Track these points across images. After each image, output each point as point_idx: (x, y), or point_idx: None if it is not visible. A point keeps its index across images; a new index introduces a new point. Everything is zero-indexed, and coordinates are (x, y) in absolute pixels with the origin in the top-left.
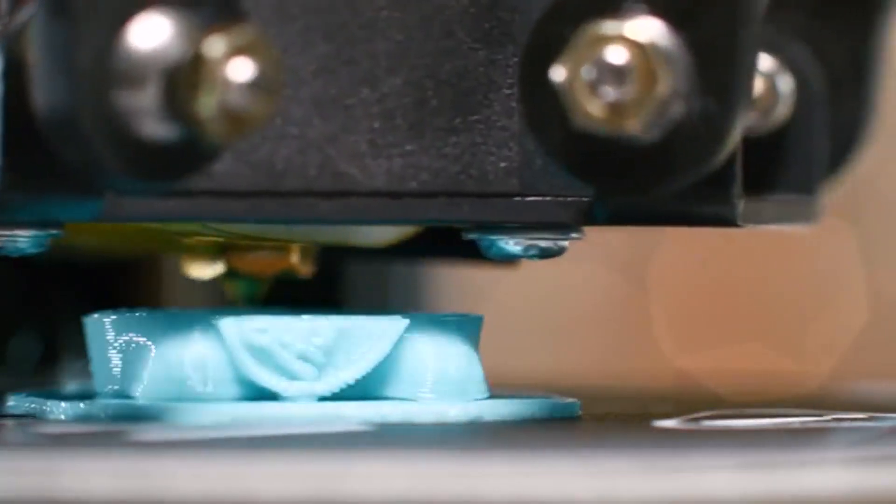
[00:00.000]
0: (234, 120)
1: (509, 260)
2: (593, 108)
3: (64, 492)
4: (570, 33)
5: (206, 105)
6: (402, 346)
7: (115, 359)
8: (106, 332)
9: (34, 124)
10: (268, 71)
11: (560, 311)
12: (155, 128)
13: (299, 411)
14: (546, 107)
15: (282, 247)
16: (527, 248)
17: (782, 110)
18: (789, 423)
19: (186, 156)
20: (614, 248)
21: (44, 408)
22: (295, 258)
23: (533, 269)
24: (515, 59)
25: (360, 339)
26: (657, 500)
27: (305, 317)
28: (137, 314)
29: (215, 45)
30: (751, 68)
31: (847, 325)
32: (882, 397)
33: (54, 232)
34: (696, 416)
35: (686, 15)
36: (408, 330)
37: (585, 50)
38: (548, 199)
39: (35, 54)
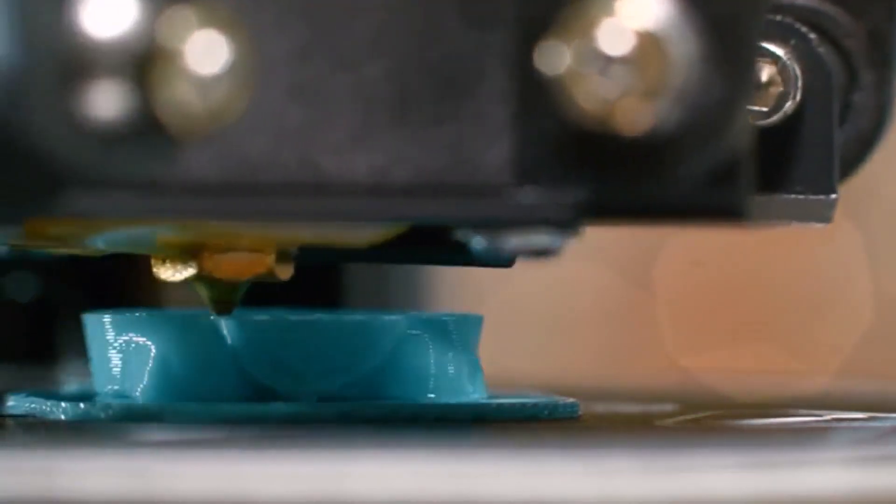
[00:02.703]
0: (201, 111)
1: (503, 261)
2: (587, 100)
3: (64, 492)
4: (562, 14)
5: (165, 96)
6: (402, 345)
7: (115, 359)
8: (106, 331)
9: None
10: (238, 59)
11: (560, 311)
12: (112, 118)
13: (299, 411)
14: (540, 97)
15: (258, 248)
16: (520, 249)
17: (793, 101)
18: (789, 423)
19: (143, 150)
20: (615, 248)
21: (44, 408)
22: (272, 261)
23: (533, 269)
24: (507, 44)
25: (360, 339)
26: (657, 500)
27: (305, 317)
28: (137, 314)
29: (177, 26)
30: (756, 55)
31: (851, 326)
32: (883, 397)
33: (11, 230)
34: (696, 416)
35: None
36: (408, 330)
37: (578, 36)
38: (541, 195)
39: None
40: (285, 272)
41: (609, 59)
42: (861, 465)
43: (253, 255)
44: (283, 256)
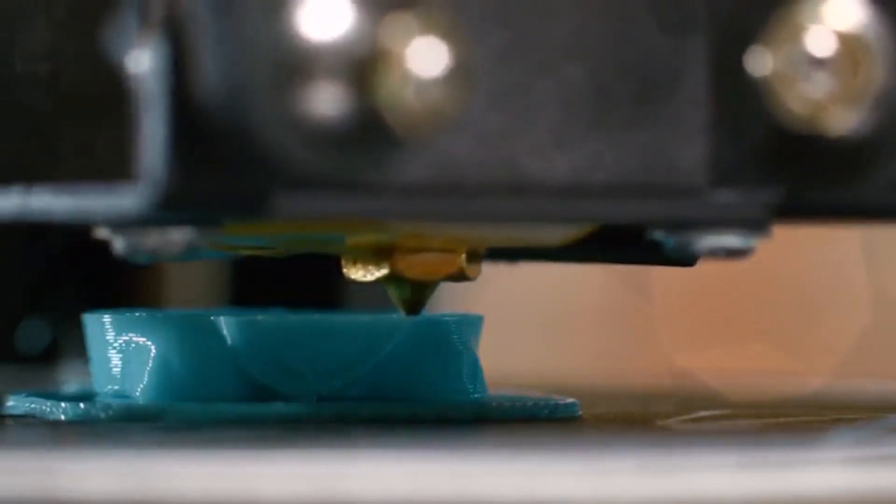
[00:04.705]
0: (422, 113)
1: (692, 261)
2: (795, 101)
3: (64, 492)
4: (769, 20)
5: (391, 97)
6: (402, 345)
7: (115, 359)
8: (106, 331)
9: (202, 119)
10: (460, 60)
11: (560, 310)
12: (332, 120)
13: (299, 411)
14: (742, 99)
15: (449, 249)
16: (713, 249)
17: None
18: (789, 423)
19: (365, 150)
20: None
21: (44, 408)
22: (462, 261)
23: (533, 269)
24: (703, 47)
25: (361, 338)
26: (657, 500)
27: (306, 317)
28: (137, 314)
29: (398, 31)
30: None
31: (850, 326)
32: (883, 397)
33: (212, 233)
34: (696, 416)
35: None
36: (408, 330)
37: (786, 38)
38: (737, 196)
39: (200, 46)
40: (475, 272)
41: (817, 62)
42: (861, 465)
43: (444, 255)
44: (472, 256)
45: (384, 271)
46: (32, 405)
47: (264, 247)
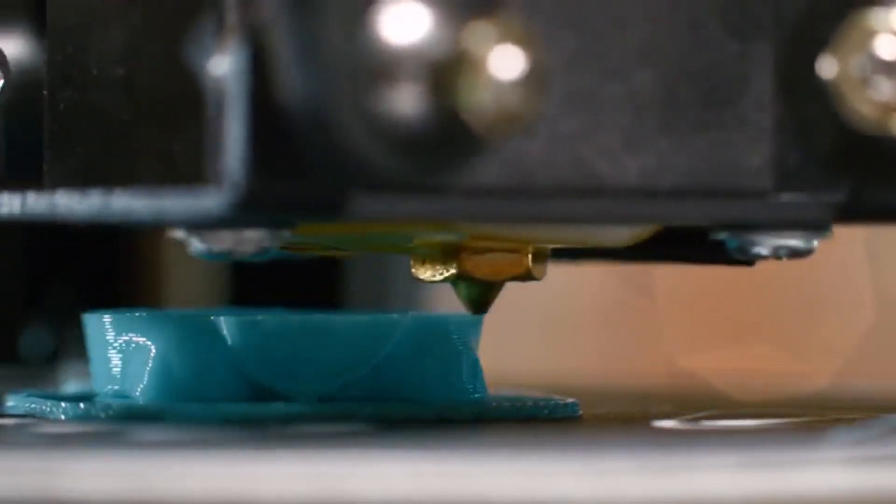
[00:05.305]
0: (503, 117)
1: (754, 261)
2: (863, 105)
3: (64, 492)
4: (838, 26)
5: (473, 101)
6: (402, 345)
7: (115, 359)
8: (106, 331)
9: (282, 121)
10: (535, 65)
11: (560, 311)
12: (412, 123)
13: (299, 411)
14: (809, 102)
15: (515, 250)
16: (776, 249)
17: None
18: (789, 423)
19: (443, 153)
20: None
21: (44, 408)
22: (529, 261)
23: None
24: (769, 53)
25: (361, 339)
26: (657, 500)
27: (306, 317)
28: (137, 314)
29: (479, 36)
30: None
31: (852, 326)
32: (883, 397)
33: (287, 233)
34: (696, 416)
35: None
36: (408, 330)
37: (855, 43)
38: (802, 197)
39: (282, 49)
40: (541, 272)
41: (885, 65)
42: (861, 465)
43: (511, 255)
44: (539, 257)
45: (452, 271)
46: (32, 405)
47: (333, 247)
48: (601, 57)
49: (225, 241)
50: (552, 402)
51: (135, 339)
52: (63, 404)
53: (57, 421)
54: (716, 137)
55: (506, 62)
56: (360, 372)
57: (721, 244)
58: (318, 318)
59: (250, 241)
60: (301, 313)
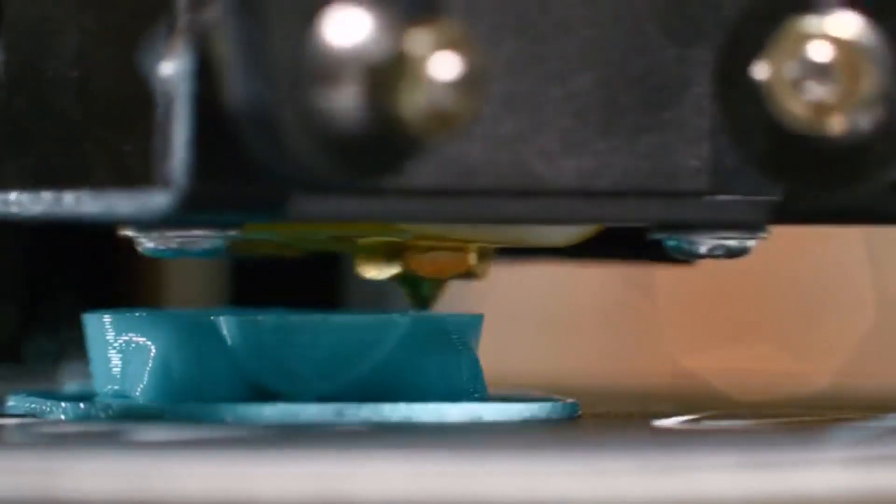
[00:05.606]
0: (440, 119)
1: (689, 260)
2: (796, 106)
3: (64, 492)
4: (772, 31)
5: (410, 103)
6: (402, 346)
7: (115, 359)
8: (106, 331)
9: (225, 123)
10: (473, 68)
11: (560, 311)
12: (353, 126)
13: (299, 411)
14: (745, 105)
15: (459, 248)
16: (713, 248)
17: None
18: (789, 423)
19: (385, 155)
20: None
21: (44, 408)
22: (472, 260)
23: (533, 269)
24: (707, 57)
25: (361, 339)
26: (657, 500)
27: (306, 317)
28: (137, 314)
29: (419, 41)
30: None
31: (852, 326)
32: (883, 397)
33: (234, 233)
34: (696, 416)
35: (885, 9)
36: (407, 330)
37: (788, 47)
38: (738, 198)
39: (226, 52)
40: (484, 271)
41: (817, 68)
42: (861, 465)
43: (455, 254)
44: (483, 256)
45: (396, 270)
46: (32, 405)
47: (282, 245)
48: (542, 60)
49: (172, 240)
50: (552, 402)
51: (135, 339)
52: (63, 404)
53: (57, 421)
54: (654, 140)
55: (442, 66)
56: (359, 372)
57: (660, 244)
58: (318, 318)
59: (197, 240)
60: (301, 313)
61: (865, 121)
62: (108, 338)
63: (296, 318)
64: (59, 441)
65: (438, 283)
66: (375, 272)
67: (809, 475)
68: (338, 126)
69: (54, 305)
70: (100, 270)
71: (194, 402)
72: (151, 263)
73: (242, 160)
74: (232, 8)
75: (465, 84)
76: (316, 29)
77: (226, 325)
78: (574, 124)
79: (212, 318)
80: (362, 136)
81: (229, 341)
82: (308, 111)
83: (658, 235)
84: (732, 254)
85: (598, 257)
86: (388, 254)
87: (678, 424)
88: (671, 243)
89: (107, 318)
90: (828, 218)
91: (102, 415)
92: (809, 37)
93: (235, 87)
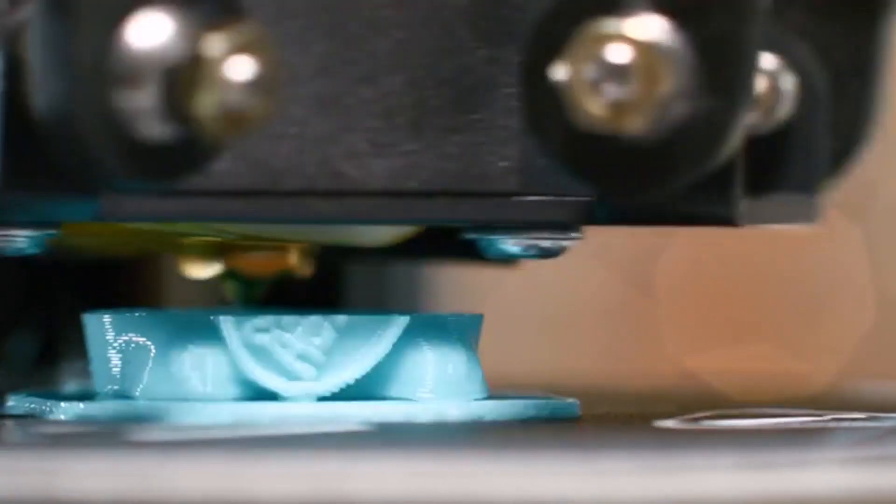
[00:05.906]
0: (233, 119)
1: (508, 260)
2: (594, 107)
3: (64, 492)
4: (572, 32)
5: (205, 104)
6: (402, 345)
7: (115, 359)
8: (106, 331)
9: (33, 124)
10: (267, 70)
11: (560, 311)
12: (153, 127)
13: (299, 411)
14: (547, 106)
15: (281, 247)
16: (526, 248)
17: (785, 109)
18: (789, 423)
19: (185, 155)
20: (616, 248)
21: (44, 408)
22: (294, 259)
23: (533, 269)
24: (516, 58)
25: (360, 338)
26: (657, 500)
27: (305, 317)
28: (137, 314)
29: (214, 44)
30: (753, 67)
31: (853, 326)
32: (883, 397)
33: (51, 232)
34: (696, 416)
35: (689, 13)
36: (407, 330)
37: (587, 48)
38: (548, 198)
39: (33, 53)
40: (307, 269)
41: (614, 69)
42: (861, 465)
43: (276, 252)
44: (305, 255)
45: (219, 268)
46: (32, 405)
47: (112, 246)
48: (352, 62)
49: None
50: (552, 402)
51: (135, 338)
52: (63, 404)
53: (57, 421)
54: (465, 140)
55: (236, 68)
56: (359, 372)
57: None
58: (317, 318)
59: (15, 239)
60: (300, 313)
61: (666, 123)
62: (107, 338)
63: (295, 318)
64: (59, 441)
65: (261, 281)
66: (198, 271)
67: (809, 475)
68: (139, 128)
69: (53, 305)
70: (100, 270)
71: (194, 402)
72: (151, 263)
73: (50, 162)
74: (41, 9)
75: (260, 86)
76: (120, 32)
77: (226, 325)
78: (384, 125)
79: (212, 318)
80: (163, 138)
81: (229, 341)
82: (110, 113)
83: (471, 236)
84: (547, 254)
85: (419, 258)
86: (211, 253)
87: (678, 424)
88: (484, 244)
89: (107, 318)
90: (638, 218)
91: (102, 415)
92: (608, 38)
93: (41, 88)
